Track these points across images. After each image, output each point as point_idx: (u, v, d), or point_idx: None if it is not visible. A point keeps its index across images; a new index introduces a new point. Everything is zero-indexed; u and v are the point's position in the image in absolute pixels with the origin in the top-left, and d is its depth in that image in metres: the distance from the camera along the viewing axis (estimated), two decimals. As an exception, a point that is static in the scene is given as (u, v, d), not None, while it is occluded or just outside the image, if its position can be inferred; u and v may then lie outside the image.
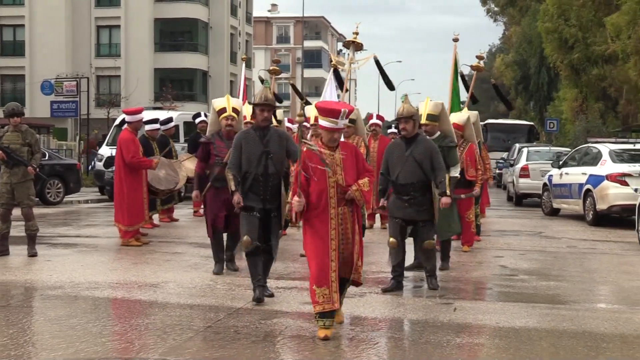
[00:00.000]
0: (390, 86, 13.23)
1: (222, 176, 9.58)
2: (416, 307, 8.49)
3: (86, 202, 24.24)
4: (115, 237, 13.47)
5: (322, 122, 7.16)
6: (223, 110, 10.34)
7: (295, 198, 6.96)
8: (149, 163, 13.50)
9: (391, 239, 9.27)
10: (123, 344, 6.85)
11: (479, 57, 12.76)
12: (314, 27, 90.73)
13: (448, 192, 9.41)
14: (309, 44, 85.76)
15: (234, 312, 8.11)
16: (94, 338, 6.90)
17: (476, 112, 13.83)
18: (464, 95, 14.48)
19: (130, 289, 9.28)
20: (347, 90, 12.48)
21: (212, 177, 10.18)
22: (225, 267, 10.48)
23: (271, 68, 14.06)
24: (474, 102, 13.87)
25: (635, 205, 14.46)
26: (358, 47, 11.73)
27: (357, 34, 11.67)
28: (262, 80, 8.20)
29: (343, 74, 12.57)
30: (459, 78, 13.17)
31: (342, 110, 7.15)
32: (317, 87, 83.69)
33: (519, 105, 62.66)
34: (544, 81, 55.19)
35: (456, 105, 12.97)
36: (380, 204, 9.38)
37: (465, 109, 13.28)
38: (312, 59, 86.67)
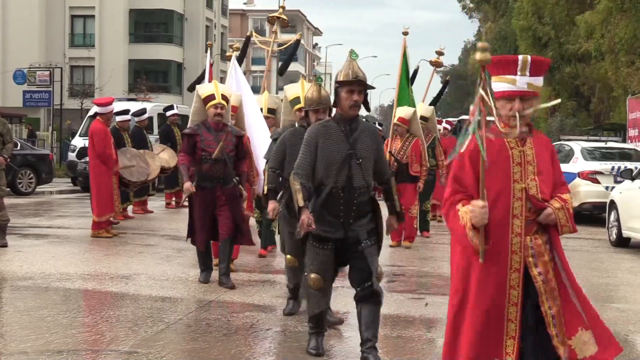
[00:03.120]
0: (282, 71, 12.72)
1: (210, 175, 8.76)
2: (388, 302, 8.51)
3: (58, 192, 24.07)
4: (87, 228, 13.38)
5: (497, 84, 4.35)
6: (211, 97, 8.87)
7: (478, 202, 4.23)
8: (113, 164, 13.32)
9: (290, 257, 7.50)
10: (93, 335, 6.81)
11: (439, 53, 12.76)
12: (290, 20, 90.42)
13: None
14: (285, 37, 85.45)
15: (205, 305, 8.10)
16: (64, 330, 6.86)
17: (432, 108, 13.85)
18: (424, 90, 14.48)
19: (101, 281, 9.24)
20: (269, 70, 11.94)
21: (197, 175, 8.87)
22: (219, 281, 8.93)
23: (228, 54, 12.04)
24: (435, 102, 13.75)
25: (605, 202, 14.60)
26: (284, 23, 11.52)
27: (283, 7, 11.44)
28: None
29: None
30: (408, 73, 12.97)
31: (523, 58, 4.32)
32: (292, 81, 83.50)
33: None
34: (519, 78, 55.42)
35: (404, 99, 12.80)
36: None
37: (421, 103, 13.25)
38: (288, 52, 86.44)
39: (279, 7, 11.51)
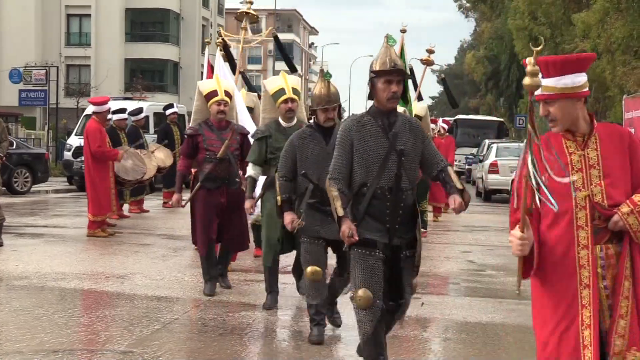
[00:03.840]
0: (292, 68, 11.86)
1: (214, 175, 8.31)
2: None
3: (54, 192, 24.04)
4: (83, 227, 13.36)
5: (550, 82, 3.96)
6: (213, 93, 8.40)
7: (516, 233, 3.78)
8: (114, 154, 13.38)
9: (315, 268, 6.55)
10: (89, 335, 6.81)
11: (429, 51, 12.72)
12: (286, 19, 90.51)
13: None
14: (281, 36, 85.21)
15: (201, 304, 8.09)
16: (59, 329, 6.85)
17: (425, 106, 13.81)
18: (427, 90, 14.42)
19: (97, 280, 9.22)
20: (240, 72, 11.44)
21: (202, 176, 8.41)
22: (215, 290, 8.58)
23: None
24: (419, 100, 13.69)
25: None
26: (253, 19, 11.35)
27: (251, 2, 11.26)
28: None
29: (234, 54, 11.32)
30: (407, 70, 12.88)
31: (528, 61, 3.87)
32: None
33: (489, 101, 63.03)
34: (514, 78, 55.48)
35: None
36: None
37: (415, 102, 13.21)
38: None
39: (247, 2, 11.18)
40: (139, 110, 17.32)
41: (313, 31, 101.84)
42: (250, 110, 10.28)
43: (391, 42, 5.41)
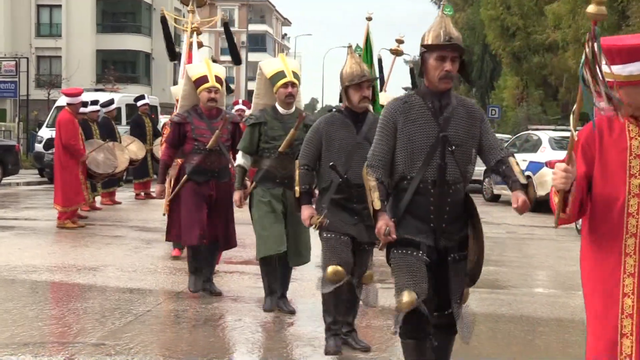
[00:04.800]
0: (236, 59, 11.64)
1: (203, 167, 7.69)
2: (357, 291, 8.53)
3: (25, 184, 23.83)
4: (55, 220, 13.27)
5: (616, 69, 3.69)
6: (203, 79, 7.76)
7: (560, 164, 3.64)
8: (81, 153, 13.22)
9: (336, 268, 5.73)
10: (60, 328, 6.75)
11: (399, 41, 12.70)
12: (259, 10, 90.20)
13: None
14: (254, 27, 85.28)
15: (174, 296, 8.07)
16: (30, 322, 6.79)
17: (392, 96, 13.73)
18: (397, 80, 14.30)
19: (68, 273, 9.16)
20: (213, 61, 11.25)
21: (189, 168, 7.76)
22: (201, 286, 7.98)
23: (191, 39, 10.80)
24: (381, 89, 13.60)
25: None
26: (200, 2, 11.08)
27: None
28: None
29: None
30: (372, 60, 12.64)
31: None
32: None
33: (462, 91, 63.18)
34: (487, 68, 55.81)
35: None
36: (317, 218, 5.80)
37: (382, 92, 13.12)
38: (257, 42, 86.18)
39: None
40: (110, 102, 17.22)
41: (286, 22, 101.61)
42: None
43: (448, 11, 4.83)
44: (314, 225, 5.75)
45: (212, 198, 7.79)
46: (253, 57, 69.86)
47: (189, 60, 10.76)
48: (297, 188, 5.88)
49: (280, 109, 7.04)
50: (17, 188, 22.59)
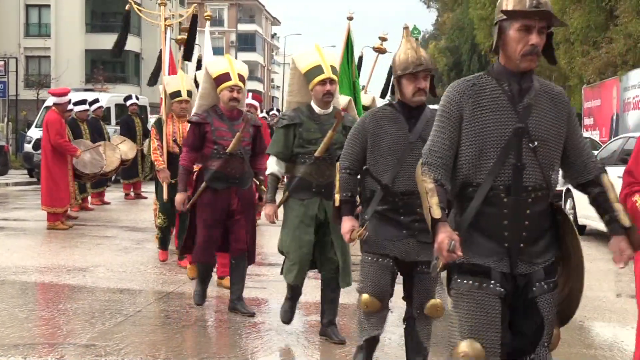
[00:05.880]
0: (188, 57, 10.94)
1: (224, 173, 6.97)
2: (348, 290, 8.53)
3: (14, 184, 23.76)
4: (44, 220, 13.24)
5: None
6: (225, 77, 7.00)
7: None
8: (73, 150, 13.22)
9: (368, 297, 5.03)
10: (50, 329, 6.74)
11: (382, 39, 12.67)
12: (248, 10, 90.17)
13: None
14: (243, 27, 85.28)
15: (164, 296, 8.07)
16: (20, 323, 6.78)
17: (372, 96, 13.69)
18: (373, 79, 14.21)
19: (58, 273, 9.14)
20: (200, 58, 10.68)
21: (208, 174, 7.02)
22: (230, 306, 7.28)
23: (178, 37, 10.49)
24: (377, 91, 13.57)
25: (561, 191, 14.82)
26: None
27: None
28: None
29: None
30: (353, 59, 12.48)
31: None
32: (251, 71, 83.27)
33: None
34: (475, 68, 55.92)
35: (345, 88, 12.29)
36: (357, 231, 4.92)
37: (363, 92, 13.08)
38: (246, 42, 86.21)
39: None
40: (95, 101, 17.17)
41: (275, 22, 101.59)
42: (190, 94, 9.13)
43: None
44: (354, 240, 4.90)
45: (232, 207, 7.07)
46: (242, 56, 69.92)
47: (171, 57, 10.73)
48: (336, 196, 5.01)
49: (316, 108, 6.16)
50: (6, 188, 22.52)
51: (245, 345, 6.41)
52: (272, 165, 6.16)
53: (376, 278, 4.90)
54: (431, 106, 4.95)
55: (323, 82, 6.04)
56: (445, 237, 3.31)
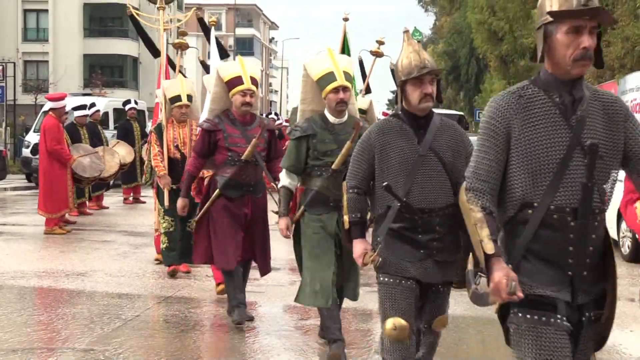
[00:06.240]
0: (224, 54, 10.94)
1: (238, 181, 6.79)
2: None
3: (12, 189, 23.74)
4: (42, 225, 13.23)
5: None
6: (237, 80, 6.78)
7: None
8: (68, 157, 13.21)
9: (398, 321, 4.40)
10: (49, 334, 6.73)
11: (379, 42, 12.67)
12: (246, 14, 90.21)
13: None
14: (241, 31, 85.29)
15: (163, 301, 8.06)
16: (18, 328, 6.78)
17: (370, 99, 13.72)
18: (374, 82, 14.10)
19: (57, 278, 9.13)
20: (200, 61, 10.81)
21: (221, 182, 6.82)
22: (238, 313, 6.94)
23: (176, 41, 10.39)
24: (367, 92, 13.56)
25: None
26: None
27: None
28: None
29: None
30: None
31: None
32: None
33: (450, 95, 63.43)
34: (473, 72, 55.99)
35: None
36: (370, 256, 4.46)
37: (360, 95, 13.07)
38: (244, 46, 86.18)
39: None
40: (91, 105, 17.14)
41: (273, 26, 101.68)
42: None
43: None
44: (367, 265, 4.51)
45: (247, 216, 6.90)
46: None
47: (167, 62, 10.73)
48: (345, 218, 4.64)
49: (330, 118, 5.82)
50: (5, 193, 22.50)
51: (244, 349, 6.40)
52: (285, 178, 5.92)
53: (400, 299, 4.42)
54: (437, 110, 4.70)
55: (336, 90, 5.72)
56: (503, 276, 3.00)
